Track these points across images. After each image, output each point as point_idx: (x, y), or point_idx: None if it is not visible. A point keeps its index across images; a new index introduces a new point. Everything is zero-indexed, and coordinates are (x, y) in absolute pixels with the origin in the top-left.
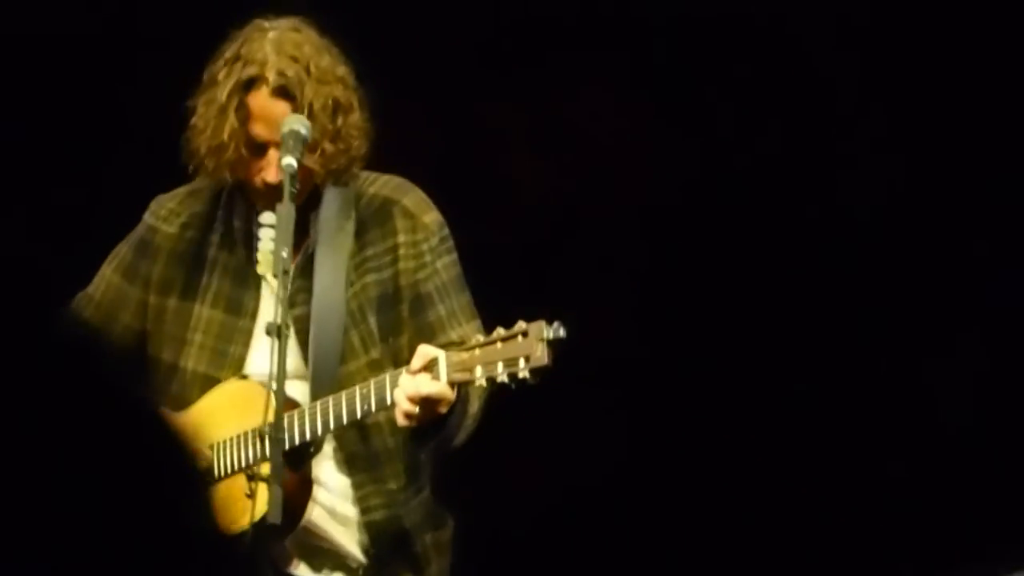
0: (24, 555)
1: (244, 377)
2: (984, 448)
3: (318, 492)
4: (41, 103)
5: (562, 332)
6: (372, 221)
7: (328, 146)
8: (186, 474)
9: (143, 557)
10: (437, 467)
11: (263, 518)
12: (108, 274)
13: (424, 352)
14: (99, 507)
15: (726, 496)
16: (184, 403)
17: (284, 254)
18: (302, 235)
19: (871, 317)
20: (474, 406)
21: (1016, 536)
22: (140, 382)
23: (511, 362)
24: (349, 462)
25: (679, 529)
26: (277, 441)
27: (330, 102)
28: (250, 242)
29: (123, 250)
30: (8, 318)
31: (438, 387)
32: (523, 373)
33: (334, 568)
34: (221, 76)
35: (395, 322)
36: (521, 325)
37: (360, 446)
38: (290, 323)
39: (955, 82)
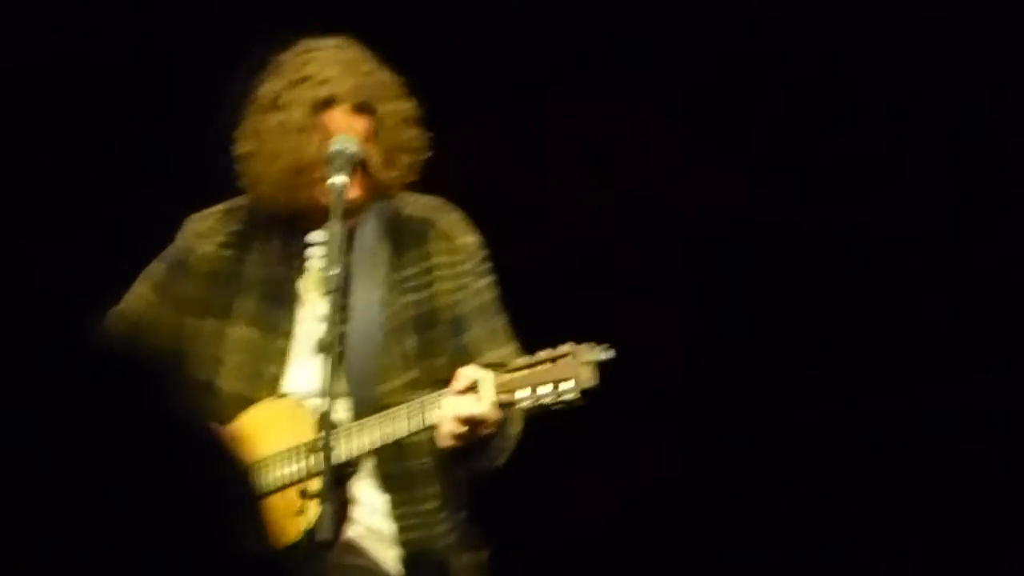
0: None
1: (283, 396)
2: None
3: (355, 510)
4: (69, 126)
5: (610, 353)
6: (410, 241)
7: (403, 157)
8: (247, 491)
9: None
10: (475, 490)
11: (310, 535)
12: (143, 292)
13: (469, 373)
14: (161, 525)
15: (769, 523)
16: (219, 423)
17: (334, 272)
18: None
19: (926, 349)
20: (516, 427)
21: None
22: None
23: (558, 383)
24: (387, 481)
25: (718, 557)
26: (329, 457)
27: (401, 116)
28: (290, 261)
29: (157, 269)
30: (55, 339)
31: (484, 408)
32: (571, 395)
33: None
34: (288, 98)
35: (433, 343)
36: (566, 347)
37: (398, 465)
38: (340, 340)
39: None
